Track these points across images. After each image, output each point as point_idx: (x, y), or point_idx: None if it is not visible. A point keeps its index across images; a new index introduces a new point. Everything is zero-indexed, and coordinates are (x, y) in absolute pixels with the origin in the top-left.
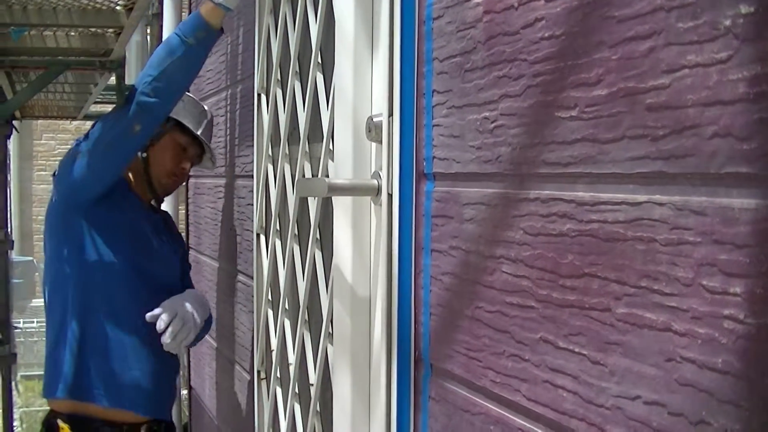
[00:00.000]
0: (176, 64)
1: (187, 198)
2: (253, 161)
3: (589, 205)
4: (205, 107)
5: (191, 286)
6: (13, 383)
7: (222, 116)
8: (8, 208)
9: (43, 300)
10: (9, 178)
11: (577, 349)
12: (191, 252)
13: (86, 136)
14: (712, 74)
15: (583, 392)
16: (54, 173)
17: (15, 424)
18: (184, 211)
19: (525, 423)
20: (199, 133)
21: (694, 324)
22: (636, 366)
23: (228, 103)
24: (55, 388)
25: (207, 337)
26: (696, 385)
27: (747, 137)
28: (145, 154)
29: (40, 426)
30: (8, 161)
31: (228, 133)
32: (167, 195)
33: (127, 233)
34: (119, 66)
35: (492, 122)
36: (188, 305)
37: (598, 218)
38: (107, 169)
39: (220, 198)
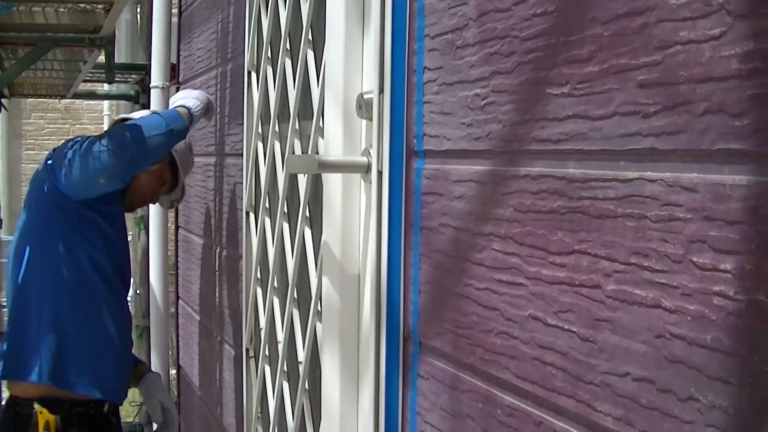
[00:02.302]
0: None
1: None
2: (242, 139)
3: (580, 181)
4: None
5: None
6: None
7: (212, 95)
8: None
9: (9, 275)
10: None
11: (566, 326)
12: (180, 231)
13: (84, 141)
14: (704, 51)
15: (572, 369)
16: (48, 159)
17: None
18: None
19: (513, 400)
20: (184, 179)
21: (684, 300)
22: (625, 343)
23: (218, 81)
24: (28, 371)
25: (195, 315)
26: (685, 362)
27: (739, 113)
28: None
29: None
30: None
31: (218, 111)
32: (128, 211)
33: (110, 226)
34: (108, 43)
35: (483, 99)
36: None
37: (589, 195)
38: (84, 194)
39: (209, 176)
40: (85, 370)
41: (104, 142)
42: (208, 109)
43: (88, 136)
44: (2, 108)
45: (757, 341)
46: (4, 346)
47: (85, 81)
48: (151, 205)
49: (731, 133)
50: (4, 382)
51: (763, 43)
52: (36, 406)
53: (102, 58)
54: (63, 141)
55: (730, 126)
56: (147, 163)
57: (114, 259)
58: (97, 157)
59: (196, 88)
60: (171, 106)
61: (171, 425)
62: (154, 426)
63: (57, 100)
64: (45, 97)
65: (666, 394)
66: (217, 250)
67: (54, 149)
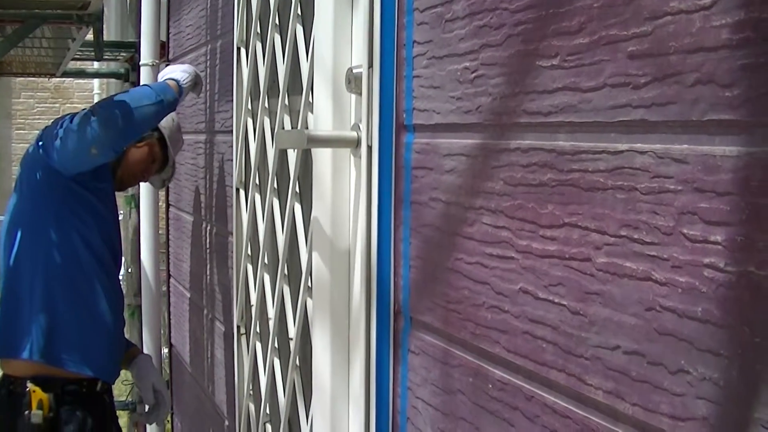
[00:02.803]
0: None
1: None
2: (232, 116)
3: (570, 154)
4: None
5: None
6: None
7: (201, 72)
8: None
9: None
10: None
11: (557, 300)
12: (171, 209)
13: (74, 115)
14: (695, 21)
15: (562, 343)
16: (39, 140)
17: None
18: None
19: (504, 375)
20: (174, 157)
21: (674, 273)
22: (616, 316)
23: (208, 58)
24: (20, 349)
25: (186, 293)
26: (676, 334)
27: (730, 84)
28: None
29: None
30: None
31: (207, 89)
32: (119, 190)
33: (101, 204)
34: (97, 20)
35: (472, 72)
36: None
37: (579, 167)
38: (76, 167)
39: (200, 154)
40: (75, 348)
41: (94, 113)
42: (196, 82)
43: (77, 112)
44: None
45: (748, 313)
46: None
47: (74, 59)
48: (142, 184)
49: (722, 104)
50: None
51: (753, 12)
52: (29, 384)
53: (90, 36)
54: (53, 120)
55: (721, 96)
56: (137, 133)
57: (105, 238)
58: (87, 128)
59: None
60: (160, 80)
61: (162, 407)
62: (146, 407)
63: (47, 79)
64: (34, 76)
65: (656, 366)
66: (208, 227)
67: (44, 129)
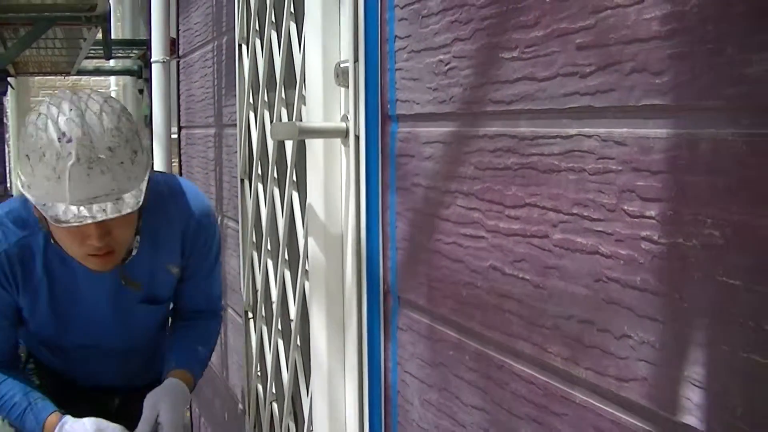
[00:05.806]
0: None
1: (180, 149)
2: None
3: (530, 139)
4: (74, 140)
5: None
6: None
7: (210, 68)
8: (7, 165)
9: None
10: (7, 135)
11: (521, 275)
12: None
13: None
14: (630, 14)
15: (527, 315)
16: None
17: None
18: (177, 164)
19: (478, 347)
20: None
21: (617, 246)
22: (570, 287)
23: (215, 54)
24: None
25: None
26: (619, 303)
27: (660, 71)
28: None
29: None
30: (5, 118)
31: (215, 83)
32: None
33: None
34: (105, 20)
35: (446, 65)
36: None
37: (537, 151)
38: None
39: (209, 147)
40: None
41: None
42: None
43: None
44: (9, 86)
45: (677, 281)
46: None
47: (88, 57)
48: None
49: (653, 90)
50: None
51: (678, 5)
52: None
53: (100, 36)
54: None
55: (652, 83)
56: None
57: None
58: None
59: (194, 62)
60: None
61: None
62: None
63: (63, 77)
64: (50, 75)
65: (604, 333)
66: (219, 218)
67: None
